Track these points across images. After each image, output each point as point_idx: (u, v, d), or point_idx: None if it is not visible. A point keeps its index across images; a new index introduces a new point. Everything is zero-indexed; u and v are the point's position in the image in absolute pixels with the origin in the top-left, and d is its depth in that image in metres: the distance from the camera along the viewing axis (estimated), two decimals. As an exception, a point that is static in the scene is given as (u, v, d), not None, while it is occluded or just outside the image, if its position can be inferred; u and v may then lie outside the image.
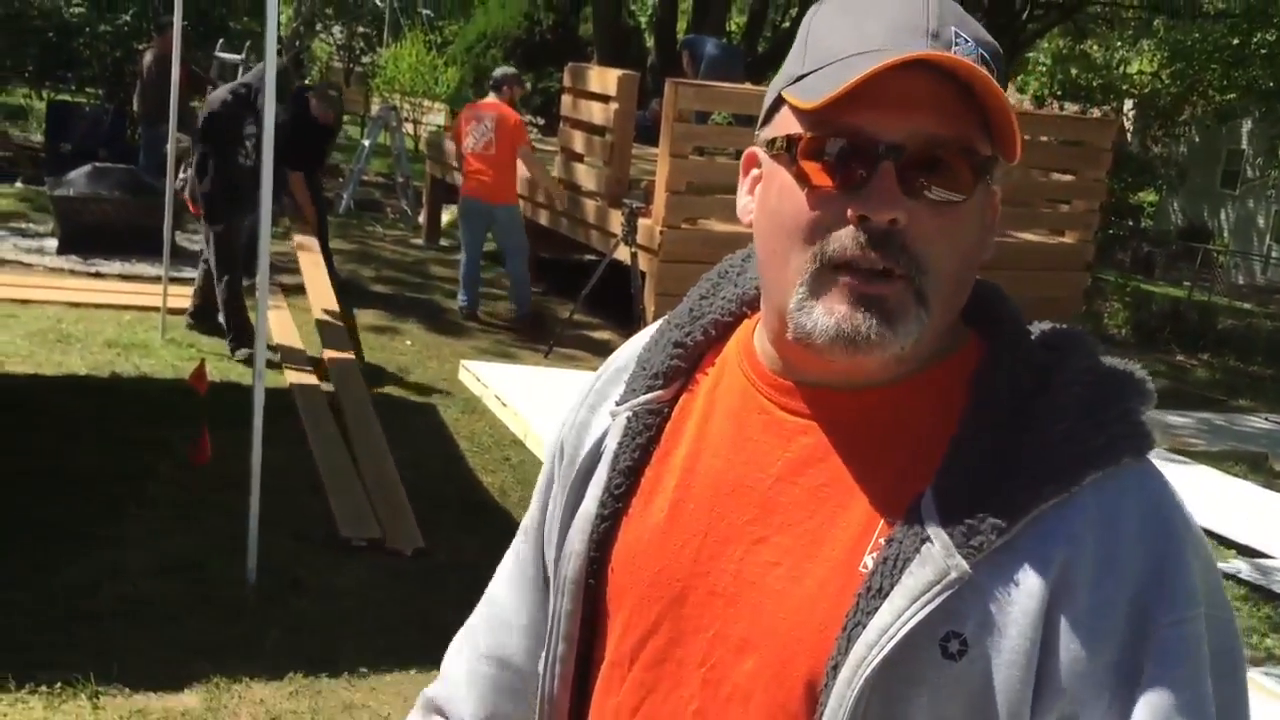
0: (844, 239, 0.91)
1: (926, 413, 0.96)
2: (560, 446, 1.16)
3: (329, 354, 6.65)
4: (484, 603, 1.26)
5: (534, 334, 8.32)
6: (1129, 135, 23.16)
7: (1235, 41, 14.92)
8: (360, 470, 5.20)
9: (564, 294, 8.75)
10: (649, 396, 1.07)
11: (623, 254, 7.76)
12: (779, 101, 0.97)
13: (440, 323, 8.45)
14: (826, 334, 0.91)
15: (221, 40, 13.01)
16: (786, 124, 0.95)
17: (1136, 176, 21.69)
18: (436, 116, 20.36)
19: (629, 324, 8.22)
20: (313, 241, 8.38)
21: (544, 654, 1.11)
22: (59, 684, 3.37)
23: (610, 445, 1.07)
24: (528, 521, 1.22)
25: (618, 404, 1.09)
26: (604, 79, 8.80)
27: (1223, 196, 27.97)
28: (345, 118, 10.06)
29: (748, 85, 10.09)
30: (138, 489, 4.76)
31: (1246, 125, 24.82)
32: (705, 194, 8.36)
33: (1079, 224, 9.69)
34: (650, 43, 16.61)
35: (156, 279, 7.34)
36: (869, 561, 0.92)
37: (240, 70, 11.50)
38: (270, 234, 4.26)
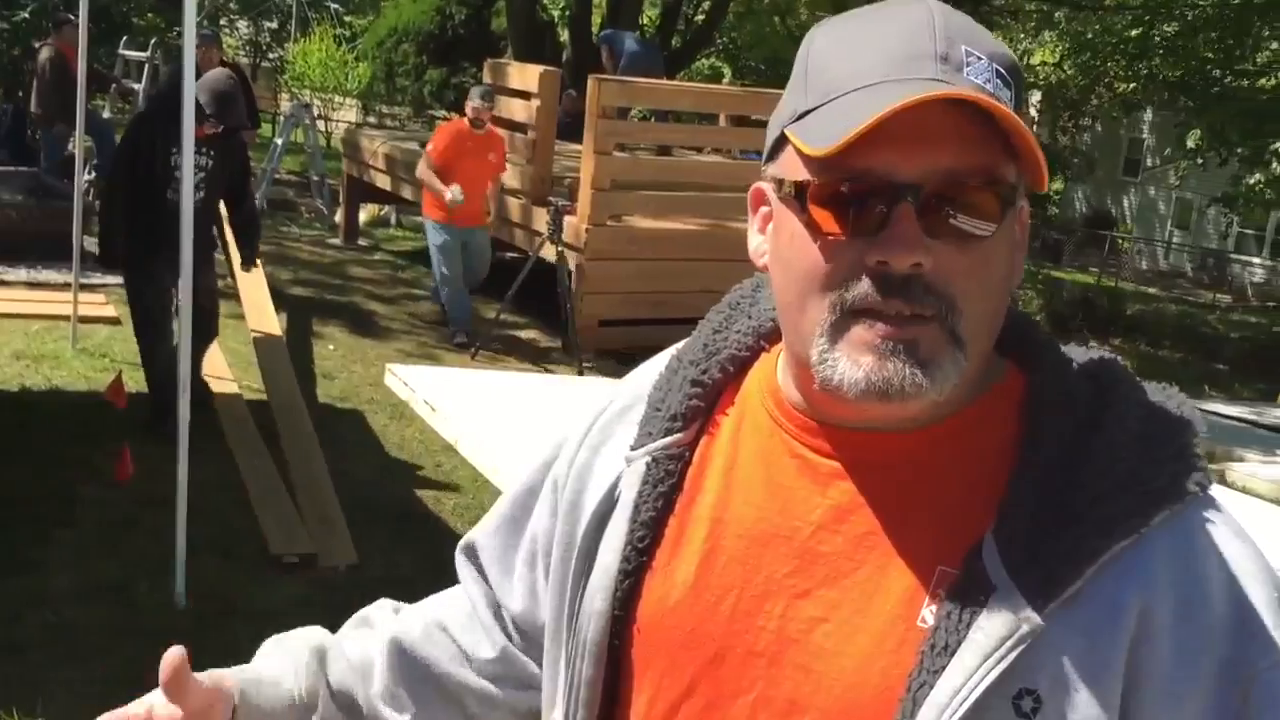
0: (864, 288, 0.85)
1: (973, 452, 0.91)
2: (553, 483, 1.09)
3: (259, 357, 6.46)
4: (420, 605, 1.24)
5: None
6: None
7: (1136, 33, 15.26)
8: (291, 482, 5.05)
9: (490, 294, 8.63)
10: (668, 440, 1.00)
11: (548, 252, 7.68)
12: (784, 138, 0.91)
13: (363, 325, 8.29)
14: (856, 387, 0.86)
15: (125, 37, 12.62)
16: (793, 166, 0.89)
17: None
18: (349, 113, 20.07)
19: (556, 323, 8.15)
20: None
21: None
22: (-20, 721, 3.21)
23: (628, 493, 1.00)
24: (484, 559, 1.18)
25: (633, 448, 1.02)
26: (525, 75, 8.71)
27: (1125, 184, 28.69)
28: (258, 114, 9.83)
29: (667, 81, 10.06)
30: (57, 510, 4.56)
31: (1148, 115, 25.46)
32: (630, 190, 8.32)
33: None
34: (565, 37, 16.49)
35: (66, 286, 7.08)
36: (928, 615, 0.86)
37: (146, 68, 11.19)
38: (192, 237, 4.10)
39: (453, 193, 7.58)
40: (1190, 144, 12.03)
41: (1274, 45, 12.02)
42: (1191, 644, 0.83)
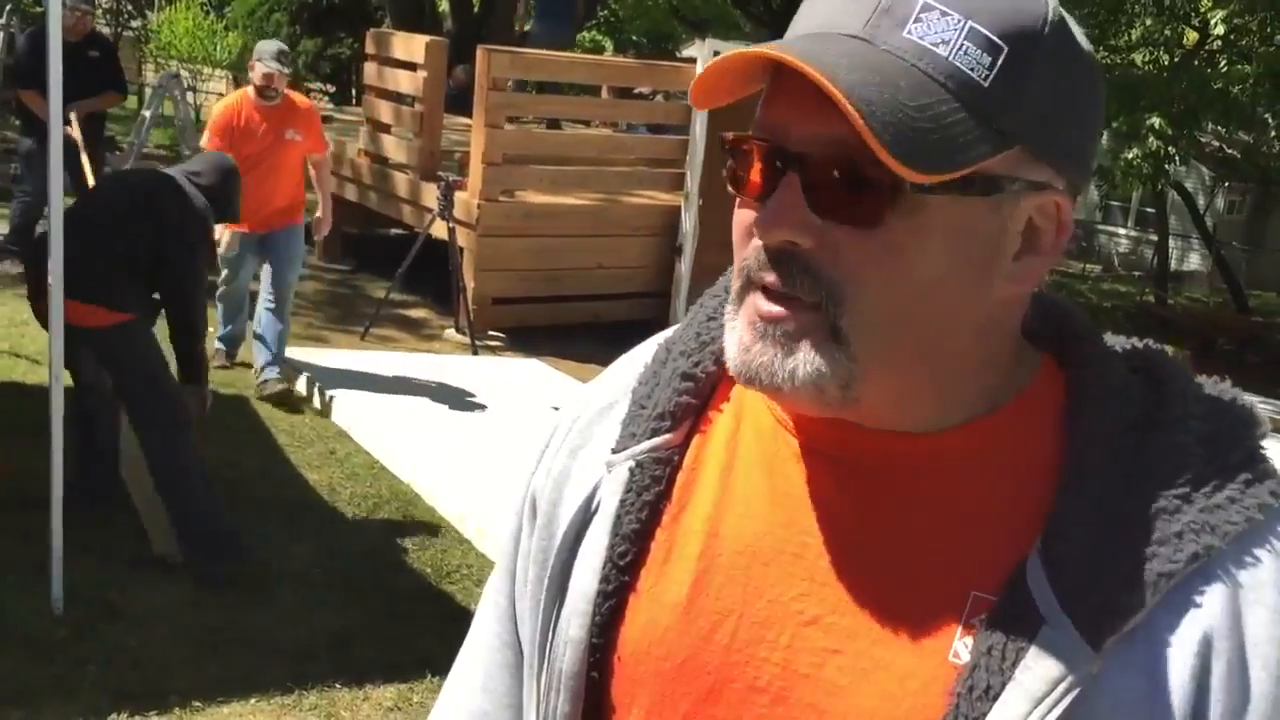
0: (749, 255, 0.77)
1: (1011, 459, 0.79)
2: (531, 500, 0.94)
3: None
4: (451, 699, 1.03)
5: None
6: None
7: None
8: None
9: (378, 272, 8.34)
10: (655, 442, 0.87)
11: (439, 229, 7.43)
12: None
13: (243, 307, 7.92)
14: (733, 365, 0.78)
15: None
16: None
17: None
18: (218, 84, 19.33)
19: (447, 301, 7.92)
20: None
21: None
22: None
23: (608, 503, 0.87)
24: (500, 599, 0.99)
25: (614, 451, 0.88)
26: (410, 46, 8.42)
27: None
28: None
29: (555, 52, 9.85)
30: (-86, 513, 4.21)
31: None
32: (522, 164, 8.12)
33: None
34: (444, 7, 16.08)
35: (-83, 269, 6.59)
36: (962, 649, 0.74)
37: (1, 36, 10.54)
38: (62, 211, 3.79)
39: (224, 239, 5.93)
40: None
41: (1147, 21, 12.34)
42: (1263, 689, 0.72)
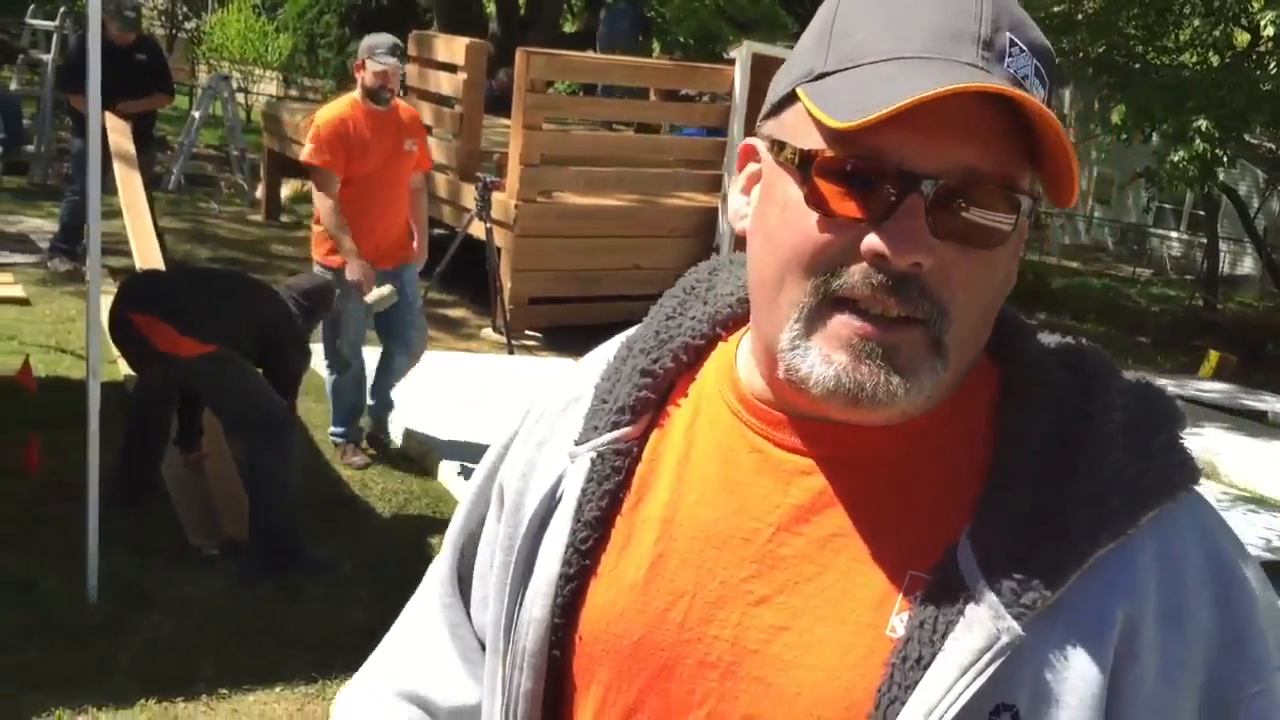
0: (855, 277, 0.78)
1: (947, 449, 0.84)
2: (498, 487, 0.99)
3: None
4: (394, 654, 1.08)
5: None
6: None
7: (1059, 9, 15.40)
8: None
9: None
10: (615, 434, 0.92)
11: (477, 229, 7.51)
12: (792, 96, 0.82)
13: (285, 305, 8.05)
14: (823, 385, 0.79)
15: (32, 6, 12.16)
16: (801, 130, 0.81)
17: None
18: (269, 86, 19.60)
19: (485, 301, 7.99)
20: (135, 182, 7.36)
21: None
22: (-124, 730, 3.02)
23: (571, 492, 0.92)
24: (443, 569, 1.06)
25: (577, 443, 0.93)
26: (451, 48, 8.50)
27: (1048, 160, 29.11)
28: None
29: (592, 54, 9.91)
30: (-42, 503, 4.34)
31: (1067, 91, 25.81)
32: (560, 166, 8.18)
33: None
34: (491, 9, 16.21)
35: (-31, 266, 6.77)
36: (898, 624, 0.79)
37: (55, 38, 10.77)
38: (100, 210, 3.90)
39: (351, 270, 4.93)
40: (1115, 120, 12.17)
41: (1195, 22, 12.16)
42: (1177, 658, 0.77)
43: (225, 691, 3.42)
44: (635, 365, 0.94)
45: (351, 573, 4.24)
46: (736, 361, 0.92)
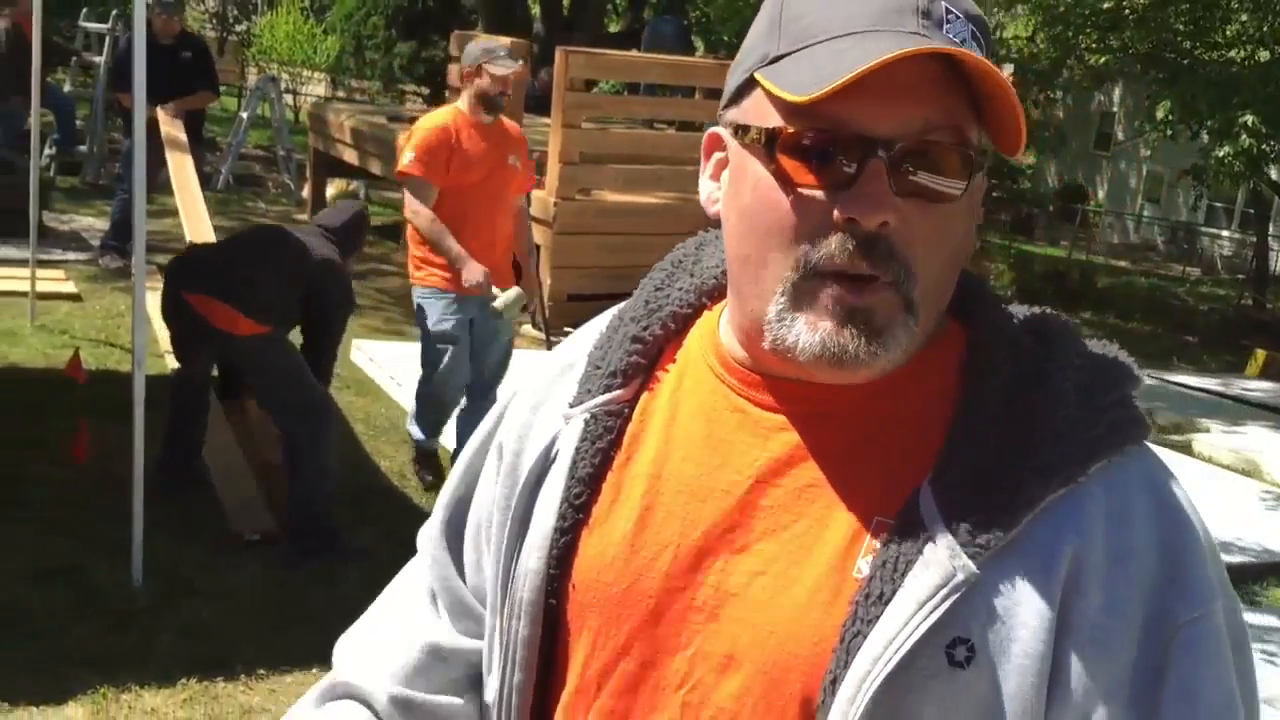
0: (832, 246, 0.83)
1: (913, 405, 0.90)
2: (498, 448, 1.06)
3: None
4: (386, 609, 1.14)
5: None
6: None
7: (1108, 5, 15.26)
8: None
9: (456, 269, 8.52)
10: (607, 397, 0.98)
11: (516, 227, 7.60)
12: (750, 81, 0.88)
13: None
14: (810, 351, 0.85)
15: (85, 9, 12.42)
16: (761, 112, 0.87)
17: (1016, 139, 22.08)
18: (317, 87, 19.86)
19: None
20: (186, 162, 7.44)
21: (498, 684, 1.00)
22: (-69, 704, 3.15)
23: (565, 450, 0.98)
24: (434, 531, 1.11)
25: (571, 405, 1.00)
26: (492, 47, 8.59)
27: (1096, 158, 28.75)
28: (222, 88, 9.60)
29: (632, 53, 9.98)
30: (11, 490, 4.48)
31: (1118, 88, 25.52)
32: (599, 164, 8.25)
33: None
34: (535, 10, 16.33)
35: (23, 263, 6.95)
36: (864, 565, 0.85)
37: (107, 40, 11.01)
38: (146, 208, 4.02)
39: (470, 271, 4.58)
40: (1160, 115, 12.07)
41: (1243, 17, 12.04)
42: (1121, 594, 0.82)
43: (263, 673, 3.52)
44: (626, 333, 1.01)
45: (387, 560, 4.32)
46: (719, 329, 0.98)
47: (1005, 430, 0.85)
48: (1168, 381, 9.65)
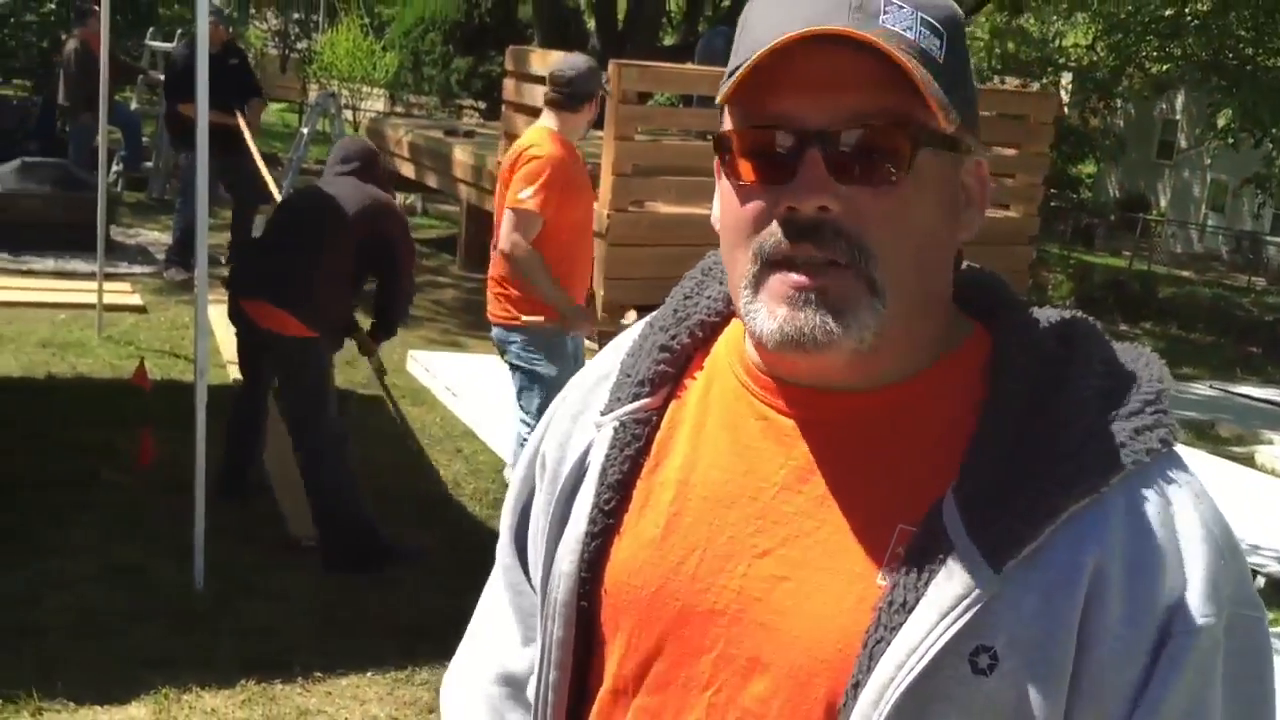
0: (777, 234, 0.86)
1: (936, 412, 0.91)
2: (541, 457, 1.09)
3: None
4: (474, 635, 1.19)
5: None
6: (1065, 108, 23.41)
7: (1169, 13, 15.08)
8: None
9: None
10: (635, 405, 1.01)
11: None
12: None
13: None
14: (773, 337, 0.87)
15: (152, 28, 12.70)
16: (724, 122, 0.92)
17: (1075, 149, 21.91)
18: (376, 102, 20.14)
19: (578, 309, 8.14)
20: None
21: (536, 683, 1.04)
22: (0, 700, 3.25)
23: (596, 458, 1.01)
24: (505, 537, 1.15)
25: (603, 413, 1.03)
26: (546, 62, 8.68)
27: (1158, 167, 28.35)
28: (280, 105, 9.80)
29: (685, 65, 10.02)
30: (79, 494, 4.61)
31: (1180, 97, 25.15)
32: (652, 176, 8.30)
33: (1022, 198, 9.74)
34: (591, 24, 16.45)
35: (91, 275, 7.14)
36: (887, 573, 0.87)
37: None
38: (208, 222, 4.13)
39: (580, 321, 4.50)
40: (1221, 124, 11.88)
41: (1308, 23, 11.84)
42: (1140, 605, 0.83)
43: (320, 675, 3.59)
44: (655, 342, 1.03)
45: (441, 566, 4.39)
46: (745, 337, 0.99)
47: (1028, 438, 0.86)
48: (1231, 393, 9.50)
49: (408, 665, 3.68)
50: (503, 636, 1.14)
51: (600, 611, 0.99)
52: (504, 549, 1.15)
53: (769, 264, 0.87)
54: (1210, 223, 27.47)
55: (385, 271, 4.55)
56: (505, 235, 4.26)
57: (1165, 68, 16.93)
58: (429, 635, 3.86)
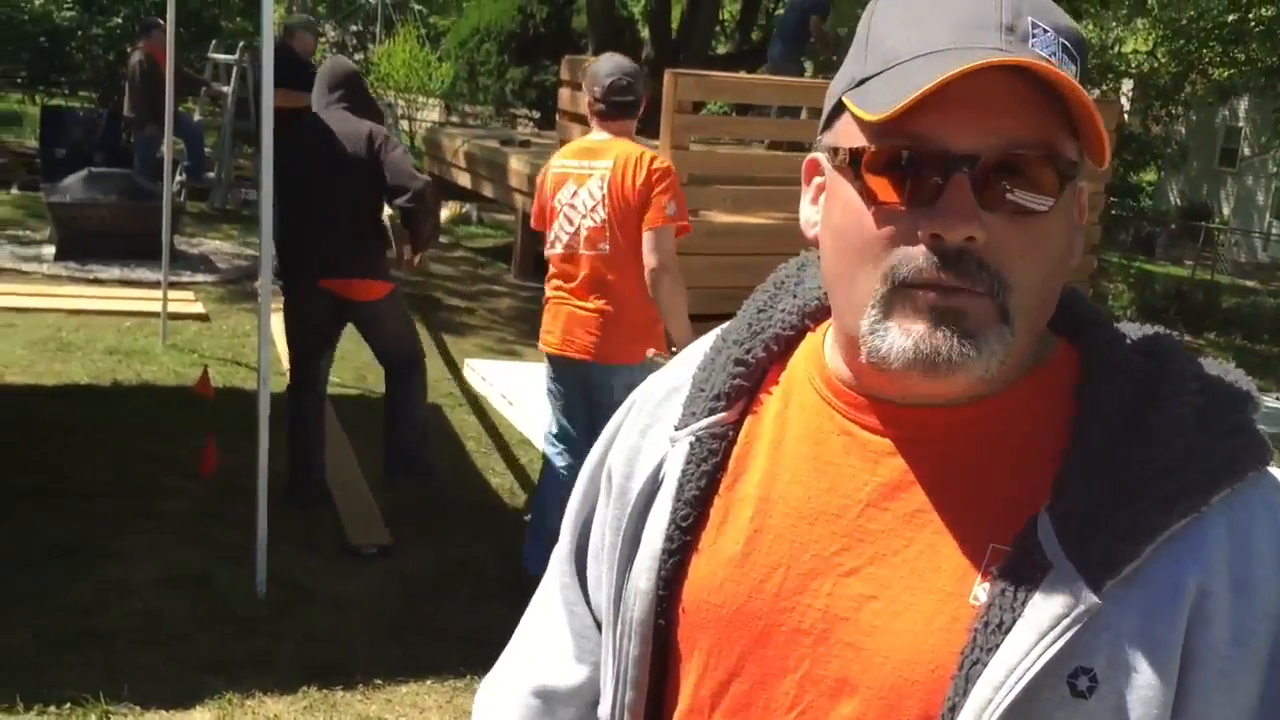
0: (917, 260, 0.84)
1: (1025, 428, 0.90)
2: (607, 473, 1.08)
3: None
4: (518, 647, 1.17)
5: None
6: (1126, 115, 23.12)
7: (1232, 18, 14.84)
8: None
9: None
10: (711, 420, 0.99)
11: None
12: (840, 106, 0.90)
13: (443, 321, 8.37)
14: (904, 356, 0.85)
15: (215, 41, 12.90)
16: (849, 133, 0.89)
17: (1136, 156, 21.61)
18: (432, 112, 20.32)
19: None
20: None
21: (610, 703, 1.03)
22: (68, 704, 3.30)
23: (672, 473, 0.99)
24: (562, 549, 1.14)
25: (677, 428, 1.01)
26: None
27: (1221, 175, 27.87)
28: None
29: (741, 74, 10.01)
30: (143, 502, 4.68)
31: (1243, 103, 24.73)
32: (707, 184, 8.29)
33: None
34: (645, 33, 16.49)
35: (156, 284, 7.26)
36: (981, 592, 0.85)
37: (235, 71, 11.44)
38: (273, 229, 4.18)
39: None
40: (1289, 131, 11.67)
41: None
42: (1246, 626, 0.81)
43: (380, 682, 3.61)
44: (729, 355, 1.02)
45: (494, 573, 4.41)
46: (824, 351, 0.98)
47: (1123, 456, 0.84)
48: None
49: (466, 674, 3.69)
50: (552, 651, 1.13)
51: (677, 630, 0.98)
52: (562, 565, 1.13)
53: (904, 286, 0.85)
54: (1275, 231, 26.95)
55: (398, 193, 4.71)
56: (660, 254, 3.85)
57: (1228, 73, 16.65)
58: (486, 644, 3.84)
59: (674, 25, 14.75)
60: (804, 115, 9.44)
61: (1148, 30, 21.61)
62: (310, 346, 4.80)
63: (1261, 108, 21.57)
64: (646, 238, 3.87)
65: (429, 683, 3.65)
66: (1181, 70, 15.84)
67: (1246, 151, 26.84)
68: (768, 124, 9.80)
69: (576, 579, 1.12)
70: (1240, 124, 27.09)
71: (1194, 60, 16.31)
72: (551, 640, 1.13)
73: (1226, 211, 27.74)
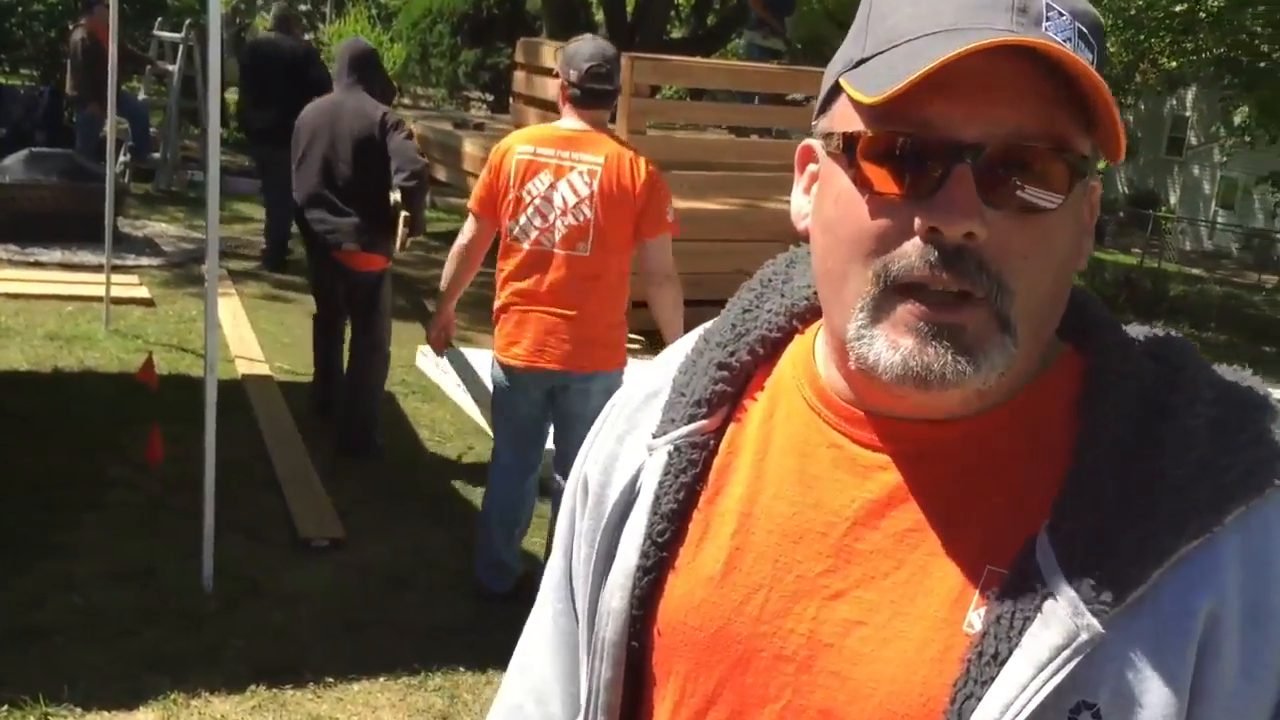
0: (911, 256, 0.77)
1: (1027, 442, 0.83)
2: (584, 482, 1.00)
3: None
4: (516, 671, 1.09)
5: None
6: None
7: (1182, 8, 14.98)
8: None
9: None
10: (692, 427, 0.92)
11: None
12: (836, 88, 0.82)
13: (394, 307, 8.23)
14: (892, 370, 0.78)
15: (160, 19, 12.63)
16: (845, 118, 0.81)
17: (1086, 145, 21.78)
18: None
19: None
20: None
21: None
22: (5, 705, 3.18)
23: (649, 484, 0.92)
24: (555, 573, 1.06)
25: (655, 435, 0.94)
26: (557, 54, 8.61)
27: (1168, 163, 28.23)
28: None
29: (698, 59, 9.94)
30: (86, 492, 4.54)
31: (1191, 92, 25.04)
32: (664, 170, 8.22)
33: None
34: (599, 16, 16.37)
35: (99, 268, 7.08)
36: (975, 619, 0.78)
37: (181, 49, 11.20)
38: (218, 216, 4.05)
39: None
40: (1238, 121, 11.80)
41: (1325, 19, 11.74)
42: (1260, 659, 0.75)
43: (331, 680, 3.52)
44: (712, 358, 0.95)
45: (454, 566, 4.33)
46: (814, 355, 0.92)
47: (1131, 472, 0.78)
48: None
49: (420, 670, 3.61)
50: (547, 684, 1.06)
51: (652, 653, 0.91)
52: (555, 592, 1.05)
53: (895, 288, 0.78)
54: (1220, 220, 27.35)
55: (401, 173, 5.01)
56: (667, 263, 3.74)
57: (1178, 64, 16.82)
58: (441, 640, 3.80)
59: (629, 8, 14.64)
60: (757, 101, 9.40)
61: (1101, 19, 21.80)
62: (333, 290, 5.38)
63: (1209, 97, 21.85)
64: (650, 246, 3.71)
65: (382, 680, 3.56)
66: (1132, 60, 15.97)
67: (1194, 141, 27.20)
68: (724, 109, 9.73)
69: (571, 605, 1.04)
70: (1188, 113, 27.46)
71: (1144, 50, 16.45)
72: (549, 674, 1.06)
73: (1174, 200, 28.12)
